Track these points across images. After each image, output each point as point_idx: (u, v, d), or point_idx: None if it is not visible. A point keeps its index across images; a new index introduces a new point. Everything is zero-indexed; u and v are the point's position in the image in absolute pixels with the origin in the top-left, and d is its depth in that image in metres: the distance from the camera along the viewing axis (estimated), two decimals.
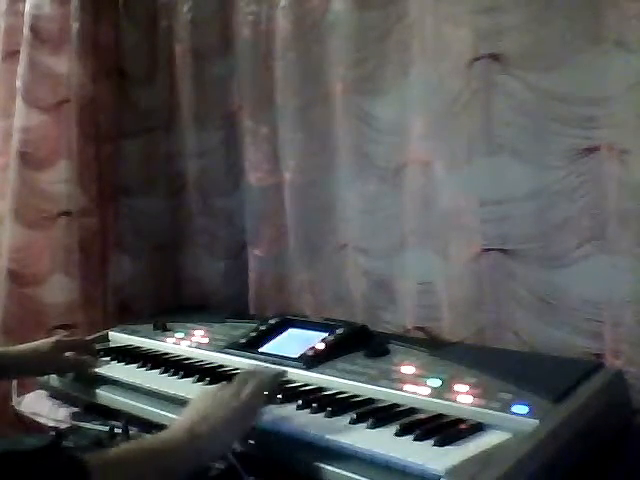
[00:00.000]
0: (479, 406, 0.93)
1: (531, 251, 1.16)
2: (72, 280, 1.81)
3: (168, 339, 1.46)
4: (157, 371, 1.28)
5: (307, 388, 1.12)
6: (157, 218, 1.88)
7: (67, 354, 1.37)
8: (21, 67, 1.84)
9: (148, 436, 1.06)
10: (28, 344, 1.36)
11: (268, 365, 1.21)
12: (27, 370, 1.37)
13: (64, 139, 1.83)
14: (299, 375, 1.16)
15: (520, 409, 0.89)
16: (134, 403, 1.19)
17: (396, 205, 1.36)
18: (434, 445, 0.86)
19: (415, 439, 0.88)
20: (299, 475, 0.90)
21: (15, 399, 1.41)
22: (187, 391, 1.13)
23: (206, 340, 1.40)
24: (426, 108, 1.27)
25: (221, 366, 1.28)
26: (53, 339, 1.37)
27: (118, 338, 1.57)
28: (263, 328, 1.35)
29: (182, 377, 1.22)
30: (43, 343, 1.35)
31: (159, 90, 1.84)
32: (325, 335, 1.24)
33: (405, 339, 1.24)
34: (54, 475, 0.76)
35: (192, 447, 0.88)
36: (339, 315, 1.43)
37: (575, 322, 1.11)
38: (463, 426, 0.91)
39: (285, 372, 1.10)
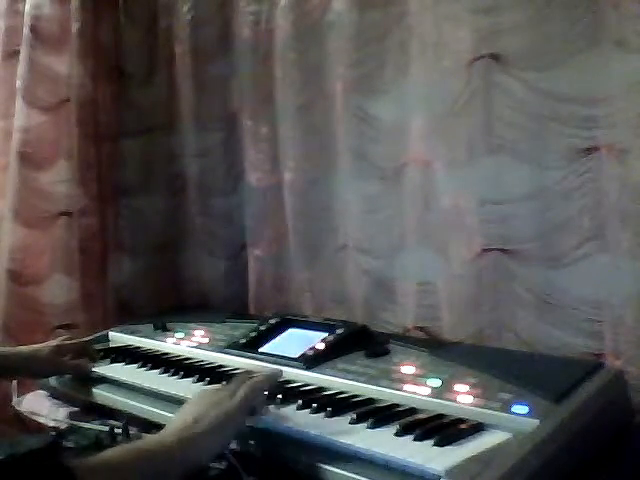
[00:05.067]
0: (479, 406, 0.93)
1: (531, 251, 1.16)
2: (72, 280, 1.81)
3: (168, 339, 1.46)
4: (157, 371, 1.28)
5: (307, 388, 1.12)
6: (157, 218, 1.87)
7: (66, 357, 1.36)
8: (21, 67, 1.84)
9: (145, 436, 1.06)
10: (30, 346, 1.36)
11: (268, 365, 1.21)
12: (25, 373, 1.37)
13: (64, 139, 1.83)
14: (299, 375, 1.16)
15: (520, 409, 0.89)
16: (134, 403, 1.18)
17: (396, 205, 1.36)
18: (434, 445, 0.86)
19: (415, 439, 0.88)
20: (299, 475, 0.90)
21: (15, 399, 1.41)
22: (187, 391, 1.13)
23: (206, 340, 1.40)
24: (426, 108, 1.27)
25: (221, 366, 1.28)
26: (55, 343, 1.36)
27: (118, 338, 1.57)
28: (263, 328, 1.35)
29: (182, 377, 1.22)
30: (44, 346, 1.35)
31: (159, 90, 1.84)
32: (325, 335, 1.24)
33: (405, 339, 1.24)
34: None
35: (182, 450, 0.86)
36: (339, 315, 1.43)
37: (575, 322, 1.11)
38: (463, 426, 0.91)
39: (280, 372, 1.09)
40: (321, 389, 1.11)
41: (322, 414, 0.99)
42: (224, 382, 1.10)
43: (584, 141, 1.09)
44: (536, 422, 0.86)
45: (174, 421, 0.92)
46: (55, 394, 1.38)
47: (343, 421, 0.96)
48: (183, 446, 0.87)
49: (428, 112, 1.27)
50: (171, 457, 0.86)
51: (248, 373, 1.04)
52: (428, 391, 1.00)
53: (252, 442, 0.97)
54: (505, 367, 1.01)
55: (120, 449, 0.86)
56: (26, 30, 1.83)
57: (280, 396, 1.05)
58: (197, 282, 1.81)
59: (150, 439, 0.90)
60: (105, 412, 1.23)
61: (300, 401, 1.03)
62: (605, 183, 1.06)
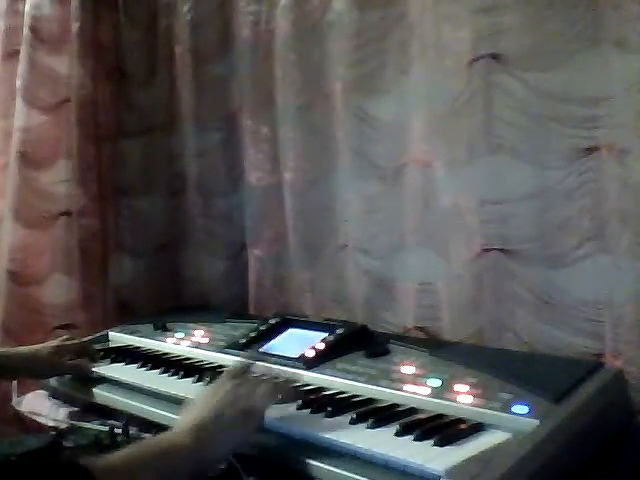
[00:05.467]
0: (479, 406, 0.93)
1: (531, 251, 1.16)
2: (72, 280, 1.82)
3: (168, 339, 1.46)
4: (157, 371, 1.28)
5: (307, 388, 1.12)
6: (157, 218, 1.88)
7: (66, 357, 1.36)
8: (21, 67, 1.84)
9: (149, 436, 1.06)
10: (30, 347, 1.36)
11: (268, 365, 1.21)
12: (25, 373, 1.37)
13: (64, 139, 1.83)
14: (299, 375, 1.16)
15: (520, 409, 0.89)
16: (134, 403, 1.18)
17: (396, 205, 1.36)
18: (434, 445, 0.86)
19: (415, 439, 0.88)
20: (299, 475, 0.90)
21: (15, 399, 1.41)
22: (187, 391, 1.13)
23: (206, 340, 1.40)
24: (426, 108, 1.27)
25: (221, 366, 1.28)
26: (55, 343, 1.36)
27: (118, 338, 1.57)
28: (263, 328, 1.35)
29: (182, 377, 1.22)
30: (44, 347, 1.35)
31: (159, 90, 1.84)
32: (325, 335, 1.24)
33: (405, 339, 1.24)
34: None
35: (197, 450, 0.86)
36: (339, 315, 1.43)
37: (575, 322, 1.11)
38: (463, 426, 0.91)
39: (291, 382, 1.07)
40: (321, 389, 1.11)
41: (322, 414, 0.99)
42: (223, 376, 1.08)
43: (584, 141, 1.09)
44: (536, 422, 0.86)
45: (186, 419, 0.91)
46: (55, 394, 1.38)
47: (343, 421, 0.96)
48: (201, 445, 0.86)
49: (428, 112, 1.27)
50: (185, 457, 0.85)
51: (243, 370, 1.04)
52: (428, 391, 1.00)
53: (252, 442, 0.96)
54: (505, 367, 1.01)
55: (132, 449, 0.85)
56: (26, 30, 1.83)
57: (280, 396, 1.05)
58: (197, 282, 1.81)
59: (163, 438, 0.88)
60: (105, 412, 1.23)
61: (300, 401, 1.03)
62: (605, 183, 1.06)
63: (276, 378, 1.06)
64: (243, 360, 1.07)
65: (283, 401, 1.01)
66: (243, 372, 1.01)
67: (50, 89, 1.84)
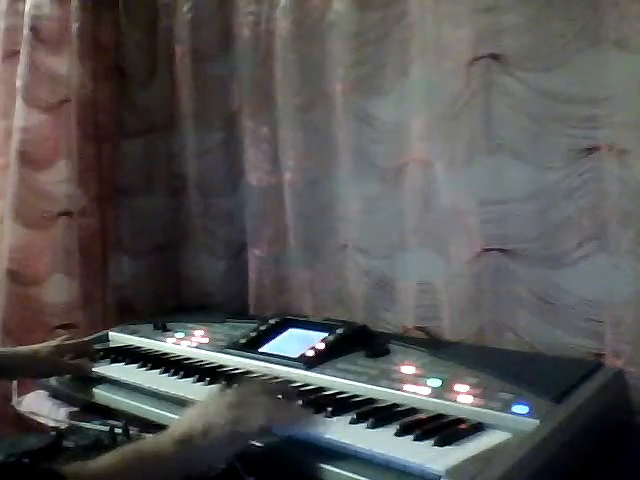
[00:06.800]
0: (479, 406, 0.93)
1: (531, 251, 1.16)
2: (72, 280, 1.81)
3: (168, 339, 1.46)
4: (157, 371, 1.28)
5: (307, 388, 1.12)
6: (157, 218, 1.88)
7: (66, 357, 1.36)
8: (21, 67, 1.84)
9: (145, 438, 1.06)
10: (29, 346, 1.36)
11: (268, 365, 1.21)
12: (25, 373, 1.37)
13: (64, 139, 1.83)
14: (299, 375, 1.16)
15: (520, 409, 0.89)
16: (134, 403, 1.19)
17: (396, 205, 1.36)
18: (434, 445, 0.86)
19: (415, 439, 0.88)
20: (299, 475, 0.90)
21: (15, 399, 1.41)
22: (187, 391, 1.13)
23: (206, 340, 1.40)
24: (426, 108, 1.27)
25: (221, 366, 1.28)
26: (54, 343, 1.36)
27: (118, 338, 1.57)
28: (263, 328, 1.35)
29: (182, 377, 1.22)
30: (44, 347, 1.35)
31: (159, 90, 1.84)
32: (325, 335, 1.24)
33: (405, 339, 1.25)
34: None
35: (180, 461, 0.85)
36: (339, 315, 1.43)
37: (575, 322, 1.11)
38: (463, 426, 0.91)
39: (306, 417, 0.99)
40: (321, 389, 1.11)
41: (322, 414, 0.99)
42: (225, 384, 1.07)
43: (584, 141, 1.08)
44: (536, 422, 0.86)
45: (178, 425, 0.90)
46: (55, 394, 1.38)
47: (343, 421, 0.96)
48: (184, 457, 0.86)
49: (428, 112, 1.27)
50: (169, 464, 0.85)
51: (257, 384, 1.02)
52: (428, 391, 1.00)
53: (252, 442, 0.96)
54: (505, 367, 1.01)
55: (117, 455, 0.84)
56: (26, 30, 1.83)
57: (280, 396, 1.05)
58: (197, 282, 1.81)
59: (147, 444, 0.88)
60: (105, 412, 1.23)
61: (300, 401, 1.03)
62: (605, 183, 1.06)
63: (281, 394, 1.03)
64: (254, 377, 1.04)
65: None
66: (245, 389, 0.99)
67: (50, 89, 1.84)
